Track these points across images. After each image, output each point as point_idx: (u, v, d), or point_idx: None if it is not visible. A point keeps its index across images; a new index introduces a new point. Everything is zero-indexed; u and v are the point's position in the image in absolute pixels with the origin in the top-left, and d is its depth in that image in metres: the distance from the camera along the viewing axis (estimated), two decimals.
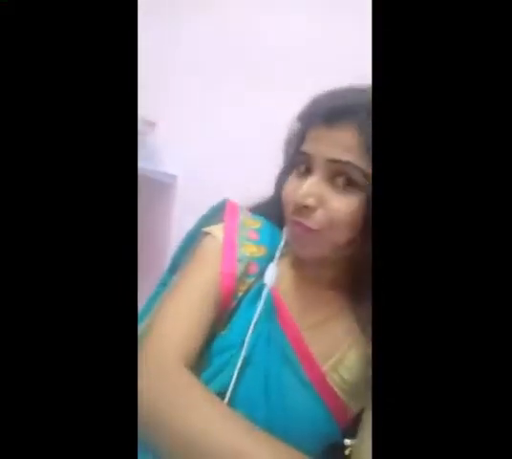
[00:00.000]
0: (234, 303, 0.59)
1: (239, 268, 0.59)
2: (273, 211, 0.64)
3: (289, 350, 0.59)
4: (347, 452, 0.56)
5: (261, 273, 0.61)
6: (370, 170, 0.52)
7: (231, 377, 0.55)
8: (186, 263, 0.61)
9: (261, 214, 0.67)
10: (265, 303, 0.58)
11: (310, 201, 0.54)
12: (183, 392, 0.48)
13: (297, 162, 0.58)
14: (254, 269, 0.61)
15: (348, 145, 0.53)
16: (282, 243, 0.63)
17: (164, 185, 1.22)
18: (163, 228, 1.21)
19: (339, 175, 0.54)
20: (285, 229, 0.62)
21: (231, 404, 0.53)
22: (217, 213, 0.66)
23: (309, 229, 0.55)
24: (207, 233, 0.62)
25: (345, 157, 0.53)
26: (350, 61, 0.99)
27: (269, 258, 0.62)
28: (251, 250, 0.62)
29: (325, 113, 0.55)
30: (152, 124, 1.13)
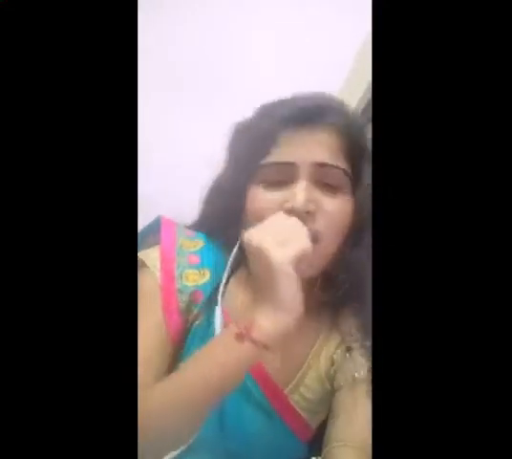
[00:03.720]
0: (184, 336, 0.56)
1: (181, 299, 0.56)
2: (217, 227, 0.60)
3: (249, 378, 0.56)
4: None
5: (208, 300, 0.57)
6: (350, 171, 0.53)
7: None
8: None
9: (201, 231, 0.63)
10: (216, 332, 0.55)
11: (312, 207, 0.52)
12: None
13: (266, 174, 0.54)
14: (199, 297, 0.57)
15: (331, 147, 0.53)
16: (228, 267, 0.58)
17: None
18: None
19: (324, 179, 0.53)
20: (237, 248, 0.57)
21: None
22: (152, 232, 0.63)
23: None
24: (144, 265, 0.59)
25: (331, 160, 0.52)
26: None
27: (214, 281, 0.58)
28: (193, 278, 0.58)
29: (297, 114, 0.53)
30: None
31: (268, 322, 0.47)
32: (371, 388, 0.53)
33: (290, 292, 0.47)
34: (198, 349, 0.50)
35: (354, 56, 1.03)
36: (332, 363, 0.58)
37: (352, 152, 0.54)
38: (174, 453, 0.46)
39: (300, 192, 0.51)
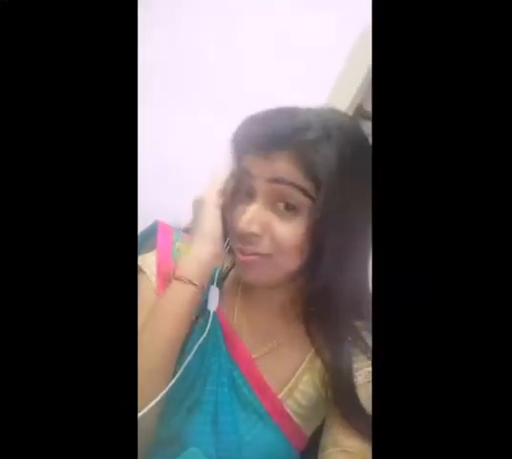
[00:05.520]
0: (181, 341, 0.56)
1: None
2: None
3: (243, 381, 0.57)
4: None
5: (203, 304, 0.57)
6: (312, 192, 0.50)
7: (182, 420, 0.53)
8: None
9: None
10: (213, 333, 0.56)
11: (255, 228, 0.51)
12: None
13: (239, 182, 0.55)
14: None
15: (287, 172, 0.50)
16: (223, 267, 0.60)
17: None
18: None
19: (281, 199, 0.51)
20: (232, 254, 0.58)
21: (182, 446, 0.52)
22: (149, 237, 0.64)
23: (256, 256, 0.52)
24: (140, 270, 0.60)
25: (286, 177, 0.50)
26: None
27: (211, 286, 0.58)
28: None
29: (255, 141, 0.52)
30: None
31: (187, 257, 0.53)
32: (368, 395, 0.53)
33: (210, 220, 0.53)
34: (192, 354, 0.52)
35: (349, 56, 1.03)
36: (328, 370, 0.57)
37: (317, 171, 0.50)
38: (154, 401, 0.47)
39: (246, 214, 0.51)
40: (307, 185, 0.50)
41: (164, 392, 0.48)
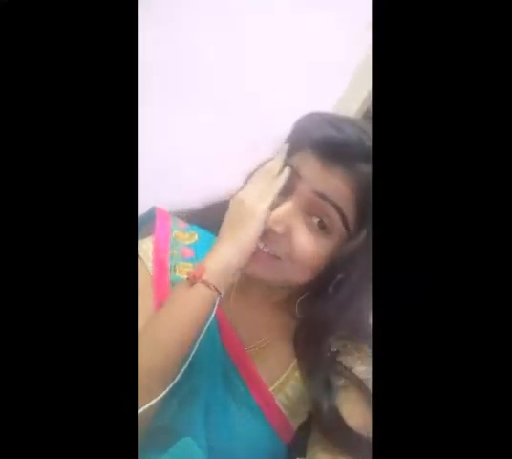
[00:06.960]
0: None
1: None
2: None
3: (235, 374, 0.57)
4: None
5: None
6: (351, 224, 0.49)
7: (175, 410, 0.53)
8: None
9: (200, 221, 0.63)
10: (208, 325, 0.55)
11: (279, 228, 0.50)
12: None
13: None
14: None
15: (337, 191, 0.49)
16: None
17: None
18: None
19: (317, 214, 0.50)
20: None
21: (174, 435, 0.51)
22: (146, 223, 0.64)
23: (269, 256, 0.52)
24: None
25: (333, 196, 0.49)
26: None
27: None
28: (186, 270, 0.58)
29: (319, 141, 0.50)
30: None
31: (217, 262, 0.50)
32: (357, 393, 0.55)
33: (254, 235, 0.50)
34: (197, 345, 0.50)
35: (354, 69, 1.04)
36: (305, 387, 0.57)
37: (363, 205, 0.49)
38: (153, 401, 0.46)
39: (279, 210, 0.50)
40: (350, 215, 0.49)
41: (166, 391, 0.48)
